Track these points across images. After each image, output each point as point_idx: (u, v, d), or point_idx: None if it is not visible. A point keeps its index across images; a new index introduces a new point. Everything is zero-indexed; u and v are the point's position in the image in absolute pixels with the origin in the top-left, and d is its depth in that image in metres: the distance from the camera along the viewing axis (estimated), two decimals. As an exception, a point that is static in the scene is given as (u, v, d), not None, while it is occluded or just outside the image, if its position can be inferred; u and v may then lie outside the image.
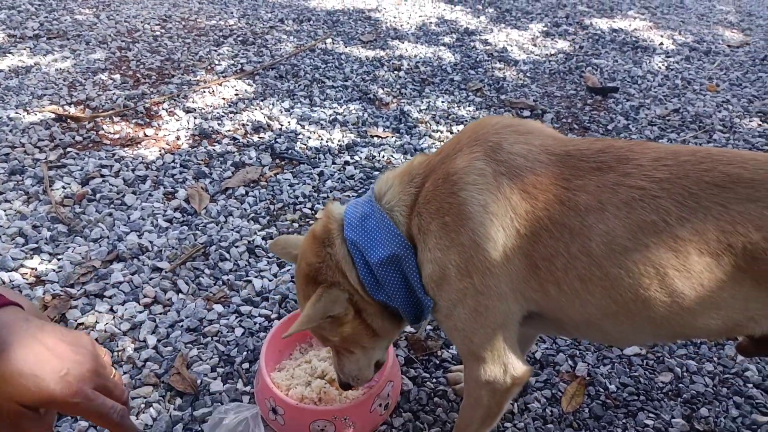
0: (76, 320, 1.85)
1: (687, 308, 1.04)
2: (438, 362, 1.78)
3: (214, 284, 2.02)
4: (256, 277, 2.04)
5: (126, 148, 2.72)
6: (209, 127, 2.92)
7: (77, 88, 3.22)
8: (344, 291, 1.27)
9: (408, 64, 3.74)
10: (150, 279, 2.02)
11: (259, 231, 2.26)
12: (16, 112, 2.92)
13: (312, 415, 1.47)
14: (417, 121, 3.09)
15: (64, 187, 2.43)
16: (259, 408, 1.59)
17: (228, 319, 1.88)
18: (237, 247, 2.16)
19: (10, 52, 3.58)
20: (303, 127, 2.98)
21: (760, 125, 3.18)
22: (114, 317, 1.87)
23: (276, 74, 3.52)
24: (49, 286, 1.97)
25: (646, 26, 4.58)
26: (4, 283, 1.96)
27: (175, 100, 3.15)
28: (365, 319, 1.31)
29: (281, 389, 1.56)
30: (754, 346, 1.13)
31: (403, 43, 4.09)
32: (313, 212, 2.38)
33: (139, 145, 2.75)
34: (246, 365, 1.74)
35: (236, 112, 3.08)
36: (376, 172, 2.64)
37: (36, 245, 2.12)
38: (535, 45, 4.15)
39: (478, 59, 3.87)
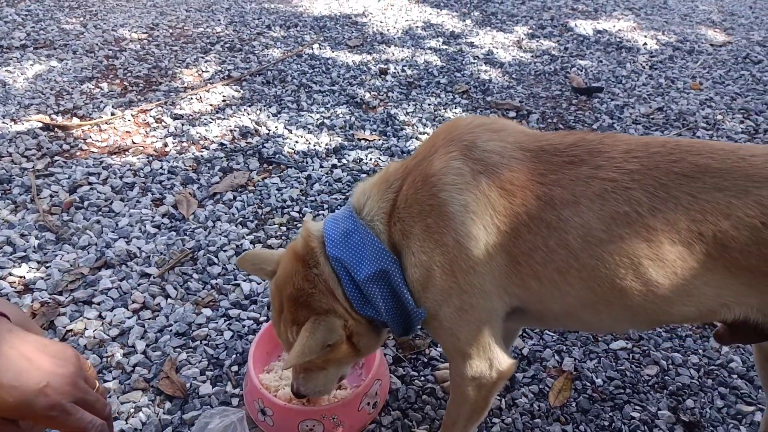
0: (64, 327, 1.85)
1: (662, 296, 1.06)
2: (426, 360, 1.79)
3: (203, 288, 2.02)
4: (244, 280, 2.05)
5: (114, 156, 2.72)
6: (197, 133, 2.93)
7: (64, 97, 3.22)
8: (340, 317, 1.25)
9: (394, 68, 3.77)
10: (138, 285, 2.02)
11: (247, 235, 2.26)
12: (3, 122, 2.91)
13: (300, 415, 1.48)
14: (404, 124, 3.11)
15: (51, 196, 2.43)
16: (249, 409, 1.59)
17: (217, 322, 1.89)
18: (225, 251, 2.17)
19: (-4, 63, 3.57)
20: (290, 131, 2.99)
21: (742, 122, 3.22)
22: (103, 323, 1.87)
23: (263, 80, 3.53)
24: (37, 293, 1.97)
25: (630, 27, 4.63)
26: (-9, 291, 1.96)
27: (162, 108, 3.16)
28: (353, 341, 1.31)
29: (270, 390, 1.57)
30: (730, 333, 1.15)
31: (389, 47, 4.12)
32: (301, 215, 2.40)
33: (126, 153, 2.76)
34: (235, 368, 1.74)
35: (224, 118, 3.09)
36: (364, 175, 2.65)
37: (24, 253, 2.12)
38: (520, 47, 4.19)
39: (464, 62, 3.90)
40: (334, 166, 2.72)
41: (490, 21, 4.71)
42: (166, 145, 2.84)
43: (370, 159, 2.78)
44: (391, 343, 1.85)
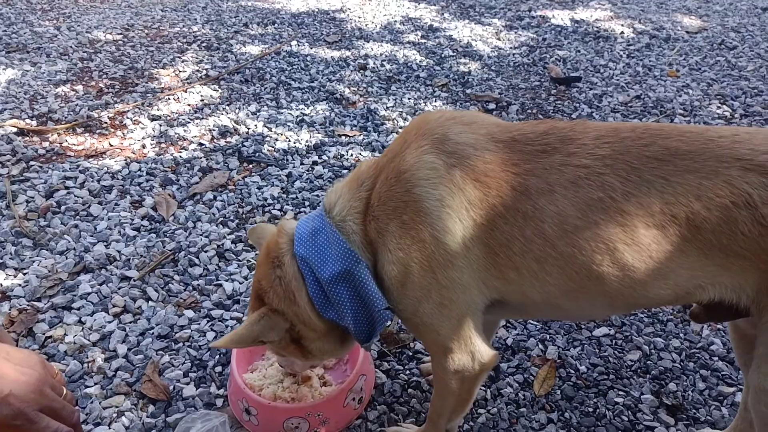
0: (44, 334, 1.82)
1: (638, 280, 1.07)
2: (411, 354, 1.79)
3: (184, 290, 2.00)
4: (226, 280, 2.03)
5: (91, 159, 2.68)
6: (175, 133, 2.90)
7: (39, 101, 3.17)
8: (286, 320, 1.27)
9: (374, 63, 3.76)
10: (119, 288, 1.99)
11: (228, 235, 2.24)
12: (-24, 128, 2.86)
13: (285, 413, 1.47)
14: (384, 119, 3.10)
15: (27, 201, 2.39)
16: (233, 409, 1.58)
17: (199, 323, 1.87)
18: (206, 251, 2.15)
19: (-33, 68, 3.51)
20: (270, 129, 2.97)
21: (719, 107, 3.26)
22: (83, 328, 1.85)
23: (241, 78, 3.50)
24: (15, 300, 1.93)
25: (607, 16, 4.66)
26: (-33, 300, 1.93)
27: (139, 109, 3.12)
28: (302, 345, 1.32)
29: (254, 390, 1.55)
30: (705, 312, 1.16)
31: (368, 42, 4.11)
32: (282, 213, 2.38)
33: (104, 156, 2.72)
34: (219, 368, 1.73)
35: (202, 118, 3.06)
36: (345, 171, 2.64)
37: (0, 261, 2.09)
38: (499, 39, 4.19)
39: (443, 55, 3.90)
40: (315, 163, 2.71)
41: (468, 14, 4.71)
42: (144, 146, 2.80)
43: (351, 155, 2.77)
44: (375, 338, 1.84)
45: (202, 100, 3.24)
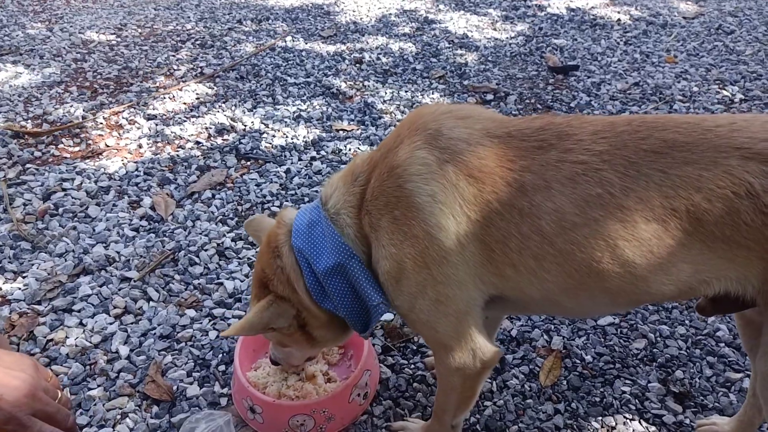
0: (45, 337, 1.81)
1: (640, 276, 1.05)
2: (415, 348, 1.78)
3: (185, 289, 1.99)
4: (227, 279, 2.01)
5: (87, 160, 2.66)
6: (171, 132, 2.88)
7: (33, 103, 3.15)
8: (293, 307, 1.28)
9: (369, 57, 3.73)
10: (119, 289, 1.98)
11: (227, 233, 2.23)
12: (-30, 132, 2.84)
13: (290, 411, 1.46)
14: (382, 113, 3.08)
15: (25, 204, 2.37)
16: (237, 408, 1.57)
17: (201, 323, 1.86)
18: (206, 250, 2.13)
19: (-40, 72, 3.48)
20: (267, 126, 2.95)
21: (718, 92, 3.24)
22: (84, 331, 1.84)
23: (237, 75, 3.48)
24: (15, 304, 1.92)
25: (603, 3, 4.63)
26: (-33, 305, 1.91)
27: (135, 108, 3.10)
28: (308, 332, 1.33)
29: (258, 388, 1.54)
30: (711, 306, 1.15)
31: (363, 36, 4.08)
32: (282, 210, 2.36)
33: (100, 156, 2.70)
34: (222, 367, 1.72)
35: (198, 116, 3.03)
36: (344, 166, 2.62)
37: (-1, 265, 2.07)
38: (495, 29, 4.17)
39: (439, 47, 3.87)
40: (313, 158, 2.69)
41: (464, 5, 4.68)
42: (140, 146, 2.78)
43: (350, 149, 2.75)
44: (380, 332, 1.83)
45: (197, 98, 3.22)
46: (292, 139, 2.84)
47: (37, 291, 1.96)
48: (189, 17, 4.44)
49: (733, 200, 0.97)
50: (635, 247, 1.03)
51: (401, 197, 1.11)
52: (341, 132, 2.91)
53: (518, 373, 1.68)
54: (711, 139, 1.01)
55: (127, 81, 3.42)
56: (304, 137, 2.85)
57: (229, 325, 1.84)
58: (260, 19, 4.41)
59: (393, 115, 3.06)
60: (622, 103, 3.14)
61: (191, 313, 1.89)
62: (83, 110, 3.06)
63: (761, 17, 4.29)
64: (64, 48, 3.83)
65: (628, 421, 1.54)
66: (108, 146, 2.78)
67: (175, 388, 1.65)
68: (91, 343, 1.79)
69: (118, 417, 1.58)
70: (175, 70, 3.55)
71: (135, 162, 2.65)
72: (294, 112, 3.07)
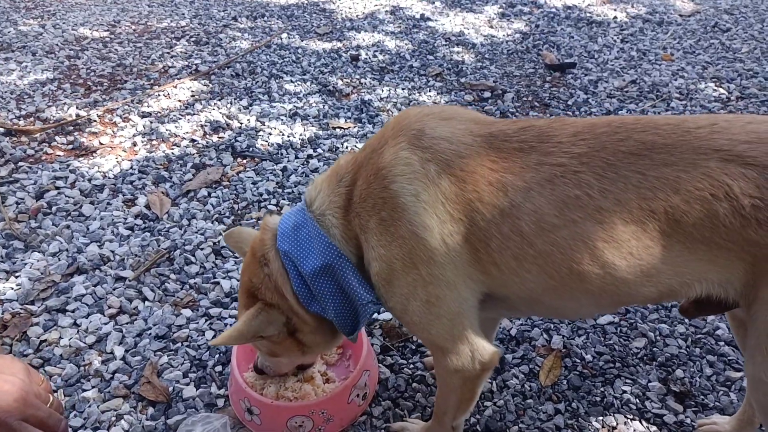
0: (38, 337, 1.78)
1: (620, 278, 1.05)
2: (414, 348, 1.76)
3: (181, 289, 1.96)
4: (223, 278, 1.99)
5: (81, 158, 2.63)
6: (166, 130, 2.85)
7: (25, 101, 3.11)
8: (282, 314, 1.27)
9: (366, 54, 3.71)
10: (114, 289, 1.95)
11: (224, 231, 2.20)
12: (-38, 130, 2.80)
13: (288, 412, 1.44)
14: (378, 110, 3.06)
15: (17, 203, 2.34)
16: (235, 409, 1.55)
17: (197, 323, 1.83)
18: (202, 249, 2.11)
19: (-49, 69, 3.44)
20: (263, 123, 2.93)
21: (715, 90, 3.23)
22: (78, 331, 1.81)
23: (232, 72, 3.45)
24: (7, 304, 1.89)
25: (599, 1, 4.62)
26: (-42, 306, 1.88)
27: (129, 106, 3.07)
28: (298, 338, 1.32)
29: (255, 389, 1.52)
30: (695, 307, 1.14)
31: (359, 33, 4.05)
32: (279, 208, 2.34)
33: (94, 154, 2.67)
34: (219, 368, 1.70)
35: (193, 114, 3.00)
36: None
37: (-9, 264, 2.04)
38: (491, 27, 4.15)
39: (435, 44, 3.85)
40: (309, 156, 2.67)
41: (460, 2, 4.66)
42: (135, 144, 2.75)
43: (347, 147, 2.73)
44: (378, 332, 1.81)
45: (192, 96, 3.19)
46: (288, 136, 2.82)
47: (30, 291, 1.93)
48: (183, 14, 4.40)
49: (711, 202, 0.97)
50: (614, 249, 1.03)
51: (387, 198, 1.12)
52: (338, 130, 2.89)
53: (518, 372, 1.67)
54: (690, 141, 1.01)
55: (122, 78, 3.38)
56: (301, 135, 2.83)
57: (226, 325, 1.82)
58: (255, 16, 4.38)
59: (390, 112, 3.04)
60: (619, 100, 3.13)
61: (187, 312, 1.87)
62: (77, 108, 3.02)
63: (757, 15, 4.30)
64: (57, 45, 3.79)
65: (628, 420, 1.53)
66: (102, 144, 2.75)
67: (171, 389, 1.63)
68: (85, 343, 1.77)
69: (113, 419, 1.56)
70: (169, 67, 3.52)
71: (129, 160, 2.62)
72: (290, 110, 3.05)
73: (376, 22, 4.24)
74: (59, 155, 2.66)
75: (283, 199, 2.38)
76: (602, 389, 1.62)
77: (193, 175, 2.53)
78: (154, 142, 2.76)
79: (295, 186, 2.46)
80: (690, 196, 0.98)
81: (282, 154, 2.68)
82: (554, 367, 1.68)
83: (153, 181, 2.48)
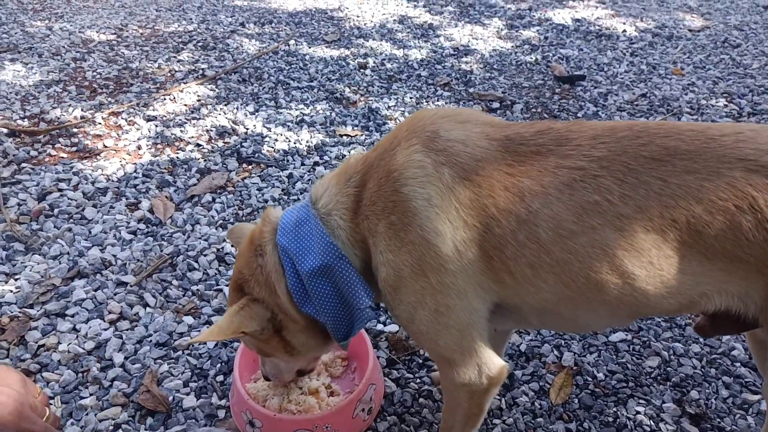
0: (36, 342, 1.74)
1: (639, 288, 1.01)
2: (421, 362, 1.72)
3: (183, 295, 1.92)
4: (227, 285, 1.95)
5: (84, 161, 2.60)
6: (172, 134, 2.82)
7: (30, 102, 3.08)
8: (267, 309, 1.22)
9: (374, 62, 3.69)
10: (115, 294, 1.91)
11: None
12: (-35, 129, 2.77)
13: (291, 426, 1.39)
14: (386, 118, 3.03)
15: (19, 204, 2.30)
16: (236, 421, 1.51)
17: (199, 330, 1.79)
18: (206, 255, 2.07)
19: (-43, 68, 3.42)
20: (269, 129, 2.90)
21: (726, 105, 3.20)
22: (77, 336, 1.77)
23: (239, 78, 3.43)
24: (6, 307, 1.85)
25: (608, 14, 4.61)
26: (-45, 308, 1.84)
27: (134, 109, 3.04)
28: (285, 337, 1.27)
29: (258, 401, 1.48)
30: (712, 325, 1.10)
31: (367, 41, 4.04)
32: (284, 215, 2.30)
33: (98, 157, 2.64)
34: (220, 378, 1.65)
35: (199, 118, 2.98)
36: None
37: (-10, 266, 2.00)
38: (500, 38, 4.13)
39: (444, 54, 3.83)
40: (316, 163, 2.64)
41: (468, 13, 4.65)
42: (139, 147, 2.72)
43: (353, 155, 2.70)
44: (384, 344, 1.77)
45: (198, 100, 3.16)
46: (294, 143, 2.79)
47: (30, 294, 1.89)
48: (191, 19, 4.39)
49: (735, 214, 0.93)
50: (634, 258, 0.99)
51: (397, 202, 1.07)
52: (345, 137, 2.86)
53: (528, 389, 1.62)
54: (715, 149, 0.97)
55: (127, 81, 3.36)
56: (307, 142, 2.80)
57: (228, 333, 1.78)
58: (263, 22, 4.37)
59: (397, 121, 3.01)
60: (629, 114, 3.10)
61: (189, 320, 1.82)
62: (81, 110, 3.00)
63: (767, 32, 4.28)
64: (64, 47, 3.78)
65: (642, 442, 1.49)
66: (106, 147, 2.72)
67: (171, 398, 1.59)
68: (84, 349, 1.72)
69: (111, 428, 1.51)
70: (176, 71, 3.50)
71: (134, 163, 2.59)
72: (297, 116, 3.02)
73: (385, 31, 4.23)
74: (63, 157, 2.63)
75: (289, 206, 2.34)
76: (615, 409, 1.57)
77: (197, 180, 2.49)
78: (159, 146, 2.73)
79: (301, 193, 2.42)
80: (713, 206, 0.94)
81: (288, 160, 2.65)
82: (565, 385, 1.63)
83: (157, 185, 2.45)
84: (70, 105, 3.05)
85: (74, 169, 2.53)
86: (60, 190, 2.39)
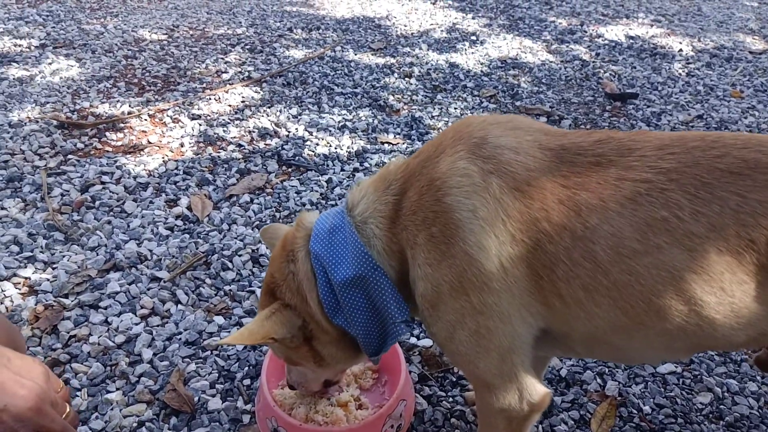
0: (68, 332, 1.74)
1: (707, 317, 0.91)
2: (454, 380, 1.64)
3: (215, 295, 1.90)
4: (259, 287, 1.92)
5: (128, 155, 2.63)
6: (214, 134, 2.83)
7: (81, 96, 3.15)
8: (299, 317, 1.17)
9: (419, 71, 3.65)
10: (148, 289, 1.90)
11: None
12: (19, 120, 2.84)
13: (317, 438, 1.34)
14: (429, 128, 2.98)
15: (62, 195, 2.33)
16: (261, 428, 1.46)
17: (229, 331, 1.76)
18: (240, 255, 2.04)
19: (15, 61, 3.53)
20: (311, 133, 2.88)
21: (788, 131, 3.04)
22: (108, 329, 1.76)
23: (284, 81, 3.43)
24: (42, 296, 1.86)
25: (664, 33, 4.46)
26: (-7, 293, 1.86)
27: (180, 107, 3.07)
28: (315, 347, 1.21)
29: (284, 408, 1.43)
30: None
31: (414, 50, 4.00)
32: (320, 220, 2.27)
33: (141, 152, 2.66)
34: (247, 381, 1.61)
35: (242, 119, 2.98)
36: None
37: (31, 253, 2.02)
38: (549, 52, 4.04)
39: (491, 66, 3.76)
40: (355, 169, 2.60)
41: (518, 26, 4.57)
42: (182, 145, 2.74)
43: (394, 163, 2.65)
44: (417, 359, 1.70)
45: (243, 102, 3.17)
46: (335, 148, 2.76)
47: (65, 284, 1.90)
48: (240, 22, 4.44)
49: None
50: (704, 282, 0.89)
51: (439, 212, 1.00)
52: (386, 145, 2.81)
53: (567, 418, 1.53)
54: None
55: (175, 80, 3.40)
56: (348, 147, 2.76)
57: (257, 336, 1.74)
58: (311, 28, 4.39)
59: (440, 131, 2.95)
60: (683, 135, 2.97)
61: (219, 320, 1.80)
62: (129, 106, 3.04)
63: (834, 57, 4.07)
64: (116, 44, 3.86)
65: (691, 485, 1.38)
66: (150, 143, 2.74)
67: (196, 399, 1.55)
68: (114, 343, 1.71)
69: (135, 425, 1.49)
70: (222, 72, 3.53)
71: (175, 160, 2.60)
72: (339, 122, 3.00)
73: (432, 41, 4.19)
74: (108, 151, 2.66)
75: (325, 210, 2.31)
76: (661, 446, 1.46)
77: (237, 180, 2.49)
78: (201, 145, 2.74)
79: (339, 198, 2.38)
80: None
81: (328, 165, 2.62)
82: (608, 416, 1.53)
83: (197, 183, 2.45)
84: (118, 100, 3.10)
85: (118, 163, 2.55)
86: (102, 182, 2.41)
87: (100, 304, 1.84)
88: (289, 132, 2.88)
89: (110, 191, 2.36)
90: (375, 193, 1.12)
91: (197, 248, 2.08)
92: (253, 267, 2.01)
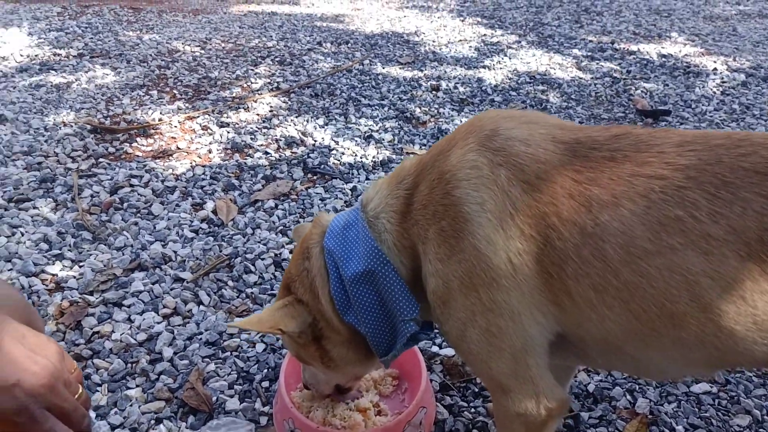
0: (91, 328, 1.75)
1: (725, 328, 0.84)
2: (477, 390, 1.60)
3: (237, 297, 1.89)
4: (281, 291, 1.91)
5: (157, 160, 2.67)
6: (242, 141, 2.86)
7: (114, 103, 3.22)
8: (310, 314, 1.16)
9: (446, 85, 3.65)
10: (171, 289, 1.91)
11: (287, 244, 2.13)
12: (54, 124, 2.91)
13: (335, 441, 1.31)
14: (456, 140, 2.96)
15: (92, 196, 2.37)
16: (278, 430, 1.43)
17: (249, 333, 1.74)
18: (263, 259, 2.04)
19: (53, 69, 3.64)
20: (337, 143, 2.88)
21: (829, 151, 2.93)
22: (131, 327, 1.76)
23: (312, 92, 3.46)
24: (67, 292, 1.88)
25: (697, 52, 4.40)
26: (23, 288, 1.88)
27: (209, 116, 3.11)
28: (324, 347, 1.20)
29: (302, 410, 1.40)
30: None
31: (441, 65, 4.01)
32: (344, 227, 2.26)
33: (170, 158, 2.70)
34: (266, 383, 1.59)
35: (270, 128, 3.01)
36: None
37: (59, 251, 2.05)
38: (579, 68, 4.01)
39: (519, 81, 3.75)
40: (380, 178, 2.58)
41: (547, 43, 4.56)
42: (210, 151, 2.77)
43: (420, 173, 2.63)
44: (438, 368, 1.66)
45: (271, 111, 3.21)
46: (360, 158, 2.76)
47: (91, 281, 1.92)
48: (271, 36, 4.52)
49: None
50: (722, 288, 0.82)
51: (449, 206, 0.97)
52: (411, 155, 2.80)
53: (595, 434, 1.47)
54: None
55: (206, 89, 3.46)
56: (374, 157, 2.76)
57: (277, 339, 1.72)
58: (340, 42, 4.44)
59: (467, 143, 2.93)
60: (718, 152, 2.89)
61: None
62: (160, 113, 3.10)
63: None
64: (151, 55, 3.96)
65: None
66: (179, 149, 2.78)
67: (214, 399, 1.54)
68: (135, 340, 1.71)
69: (153, 422, 1.47)
70: (252, 83, 3.58)
71: (203, 166, 2.63)
72: (365, 132, 3.00)
73: (460, 56, 4.19)
74: (138, 155, 2.70)
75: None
76: (695, 467, 1.39)
77: (262, 186, 2.50)
78: (229, 152, 2.77)
79: (364, 206, 2.37)
80: None
81: (353, 174, 2.62)
82: (638, 434, 1.46)
83: (223, 188, 2.47)
84: (150, 108, 3.16)
85: (147, 167, 2.59)
86: (131, 185, 2.45)
87: (124, 302, 1.85)
88: (315, 141, 2.89)
89: (138, 194, 2.39)
90: (388, 188, 1.11)
91: (221, 251, 2.08)
92: (276, 271, 2.01)
